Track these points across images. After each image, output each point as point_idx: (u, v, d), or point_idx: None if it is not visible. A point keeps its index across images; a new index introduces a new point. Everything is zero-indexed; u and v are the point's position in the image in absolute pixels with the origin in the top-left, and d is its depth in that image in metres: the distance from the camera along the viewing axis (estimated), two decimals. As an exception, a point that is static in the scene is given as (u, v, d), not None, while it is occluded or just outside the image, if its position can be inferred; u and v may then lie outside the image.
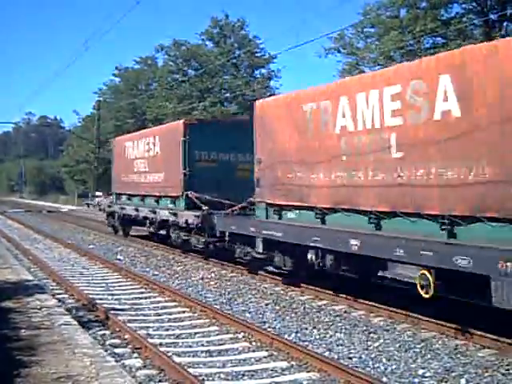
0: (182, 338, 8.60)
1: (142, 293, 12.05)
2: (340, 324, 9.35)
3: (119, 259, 17.11)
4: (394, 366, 7.23)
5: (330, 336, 8.64)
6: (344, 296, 10.89)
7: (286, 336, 8.54)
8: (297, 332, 8.86)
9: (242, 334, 8.71)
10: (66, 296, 11.43)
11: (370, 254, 9.31)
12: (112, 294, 11.82)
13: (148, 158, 19.93)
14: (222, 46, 44.25)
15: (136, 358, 7.53)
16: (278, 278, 13.06)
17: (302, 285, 12.19)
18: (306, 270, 11.71)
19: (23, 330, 7.56)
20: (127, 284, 13.09)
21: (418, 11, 27.40)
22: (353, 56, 31.44)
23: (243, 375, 6.98)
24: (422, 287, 8.34)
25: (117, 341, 8.26)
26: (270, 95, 44.38)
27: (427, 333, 8.70)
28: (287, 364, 7.33)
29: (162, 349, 7.77)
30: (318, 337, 8.62)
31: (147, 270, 15.15)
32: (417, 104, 8.66)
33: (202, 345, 8.25)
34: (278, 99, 12.97)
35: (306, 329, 9.06)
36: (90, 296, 11.24)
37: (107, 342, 8.11)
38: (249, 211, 13.95)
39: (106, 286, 12.82)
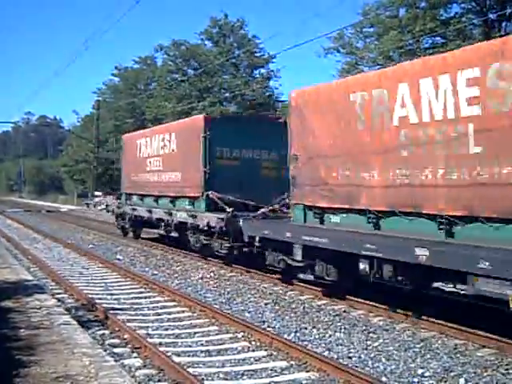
0: (182, 338, 8.60)
1: (141, 292, 12.05)
2: (339, 324, 9.34)
3: (118, 259, 17.10)
4: (393, 366, 7.23)
5: (330, 336, 8.64)
6: (343, 296, 10.89)
7: (285, 336, 8.54)
8: (296, 332, 8.86)
9: (242, 333, 8.70)
10: (66, 296, 11.42)
11: (442, 266, 7.88)
12: (111, 294, 11.82)
13: (163, 155, 18.64)
14: (222, 46, 44.26)
15: (135, 357, 7.52)
16: (276, 277, 13.02)
17: (301, 284, 12.02)
18: (353, 281, 10.50)
19: (22, 330, 7.55)
20: (126, 284, 13.08)
21: (418, 11, 27.42)
22: (352, 56, 31.47)
23: (242, 375, 6.97)
24: None
25: (116, 340, 8.26)
26: (270, 95, 44.57)
27: (426, 332, 8.69)
28: (286, 364, 7.32)
29: (161, 348, 7.77)
30: (317, 336, 8.61)
31: (146, 269, 15.14)
32: (500, 90, 7.46)
33: (202, 344, 8.25)
34: (319, 88, 11.42)
35: (306, 328, 9.06)
36: (90, 296, 11.23)
37: (106, 342, 8.10)
38: (281, 214, 13.14)
39: (105, 285, 12.82)
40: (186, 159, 16.76)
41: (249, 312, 10.22)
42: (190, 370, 6.92)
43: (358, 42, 31.62)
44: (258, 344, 8.19)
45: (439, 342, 8.25)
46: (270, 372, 7.06)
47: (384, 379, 6.76)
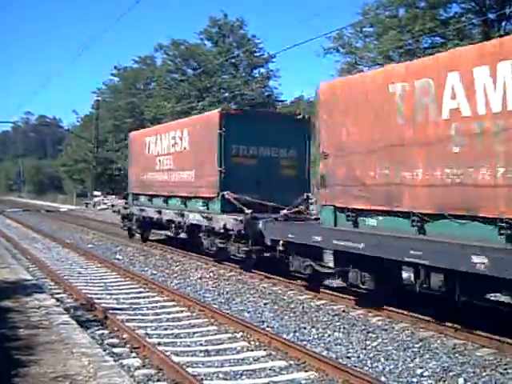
0: (181, 338, 8.59)
1: (140, 292, 12.04)
2: (338, 323, 9.34)
3: (118, 259, 17.10)
4: (392, 366, 7.23)
5: (329, 335, 8.65)
6: (342, 296, 10.90)
7: (284, 335, 8.54)
8: (295, 331, 8.86)
9: (241, 333, 8.70)
10: (65, 295, 11.41)
11: (504, 276, 7.07)
12: (110, 294, 11.81)
13: (174, 153, 17.70)
14: (221, 46, 44.34)
15: (134, 357, 7.51)
16: (278, 277, 12.91)
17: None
18: (392, 290, 9.70)
19: (21, 330, 7.55)
20: (126, 283, 13.08)
21: (417, 11, 27.46)
22: (351, 55, 31.49)
23: (241, 374, 6.97)
24: None
25: (115, 340, 8.25)
26: (269, 95, 44.61)
27: (425, 332, 8.70)
28: (285, 363, 7.32)
29: (160, 348, 7.76)
30: (316, 336, 8.62)
31: (146, 269, 15.14)
32: None
33: (201, 344, 8.25)
34: (352, 80, 10.56)
35: (305, 328, 9.06)
36: (89, 295, 11.23)
37: (105, 342, 8.10)
38: (305, 216, 12.37)
39: (104, 285, 12.81)
40: (199, 157, 15.89)
41: (248, 312, 10.22)
42: (189, 369, 6.92)
43: (358, 41, 31.70)
44: (257, 344, 8.19)
45: (438, 341, 8.26)
46: (268, 372, 7.06)
47: (383, 379, 6.76)
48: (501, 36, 17.60)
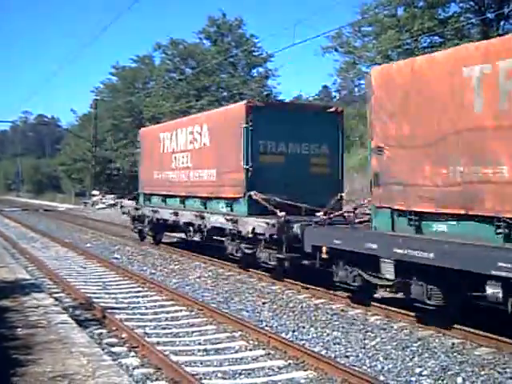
0: (179, 337, 8.59)
1: (139, 291, 12.04)
2: (337, 323, 9.34)
3: (116, 258, 17.09)
4: (390, 365, 7.23)
5: (327, 335, 8.65)
6: (341, 295, 10.90)
7: (283, 335, 8.53)
8: (294, 331, 8.86)
9: (239, 332, 8.70)
10: (63, 295, 11.41)
11: None
12: (109, 293, 11.81)
13: (192, 150, 16.41)
14: (220, 45, 44.33)
15: (133, 356, 7.51)
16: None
17: (298, 283, 11.58)
18: (460, 307, 8.58)
19: (20, 329, 7.54)
20: (124, 283, 13.07)
21: (416, 10, 27.47)
22: (350, 55, 31.50)
23: (240, 374, 6.97)
24: None
25: (114, 340, 8.25)
26: (268, 95, 44.57)
27: (424, 331, 8.70)
28: (284, 363, 7.32)
29: (159, 347, 7.76)
30: (315, 335, 8.62)
31: (144, 268, 15.13)
32: None
33: (199, 343, 8.24)
34: (414, 63, 9.04)
35: (303, 327, 9.06)
36: (87, 295, 11.22)
37: (104, 341, 8.09)
38: (352, 218, 11.10)
39: (103, 284, 12.80)
40: (221, 154, 14.67)
41: (246, 311, 10.22)
42: (188, 369, 6.92)
43: (357, 41, 31.71)
44: (256, 343, 8.19)
45: (437, 340, 8.26)
46: (267, 371, 7.06)
47: (382, 378, 6.76)
48: (500, 35, 17.58)
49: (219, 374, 6.94)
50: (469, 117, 7.87)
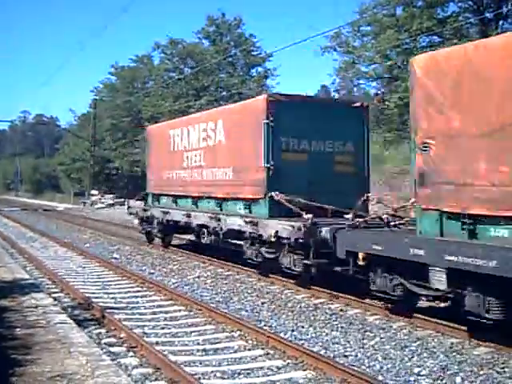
0: (178, 337, 8.59)
1: (137, 291, 12.03)
2: (336, 322, 9.35)
3: (115, 258, 17.08)
4: (389, 365, 7.24)
5: (326, 334, 8.65)
6: (340, 295, 10.89)
7: (281, 334, 8.53)
8: (293, 330, 8.86)
9: (238, 332, 8.70)
10: (62, 295, 11.40)
11: None
12: (108, 293, 11.80)
13: (205, 148, 15.52)
14: (218, 45, 44.39)
15: (132, 356, 7.51)
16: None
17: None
18: None
19: (18, 329, 7.53)
20: (123, 282, 13.06)
21: (414, 10, 27.50)
22: (349, 54, 31.51)
23: (239, 374, 6.97)
24: None
25: (112, 339, 8.24)
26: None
27: (423, 331, 8.71)
28: (283, 362, 7.32)
29: (157, 347, 7.76)
30: (314, 335, 8.62)
31: (143, 268, 15.12)
32: None
33: (198, 343, 8.24)
34: (468, 48, 8.13)
35: (302, 327, 9.06)
36: (86, 295, 11.21)
37: (103, 341, 8.09)
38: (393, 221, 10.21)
39: (101, 284, 12.79)
40: (238, 152, 13.80)
41: (245, 311, 10.21)
42: (187, 368, 6.92)
43: (355, 40, 31.72)
44: (255, 343, 8.19)
45: (435, 340, 8.27)
46: (266, 371, 7.06)
47: (380, 378, 6.77)
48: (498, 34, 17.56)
49: (218, 374, 6.94)
50: None
